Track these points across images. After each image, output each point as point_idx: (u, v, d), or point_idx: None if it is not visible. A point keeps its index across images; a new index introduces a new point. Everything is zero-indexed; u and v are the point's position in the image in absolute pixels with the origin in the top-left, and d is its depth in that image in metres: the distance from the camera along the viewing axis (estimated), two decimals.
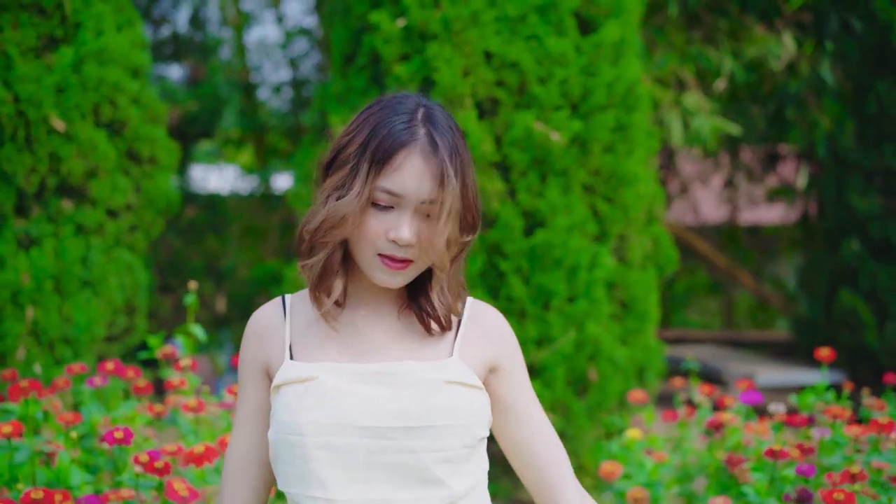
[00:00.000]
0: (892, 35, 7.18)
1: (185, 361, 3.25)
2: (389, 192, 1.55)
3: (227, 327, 8.18)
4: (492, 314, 1.72)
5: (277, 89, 10.17)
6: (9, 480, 2.67)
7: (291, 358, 1.64)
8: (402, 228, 1.55)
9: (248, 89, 10.08)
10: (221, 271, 8.38)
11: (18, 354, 4.57)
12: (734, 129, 7.38)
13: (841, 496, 2.31)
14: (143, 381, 3.47)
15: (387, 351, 1.64)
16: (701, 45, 7.25)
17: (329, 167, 1.61)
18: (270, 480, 1.72)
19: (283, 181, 10.59)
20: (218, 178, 10.98)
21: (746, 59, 7.30)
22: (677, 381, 4.18)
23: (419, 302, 1.67)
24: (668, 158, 10.16)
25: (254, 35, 15.94)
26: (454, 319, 1.70)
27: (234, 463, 1.70)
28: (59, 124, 4.60)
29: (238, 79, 10.13)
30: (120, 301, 4.90)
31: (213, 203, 8.57)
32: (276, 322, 1.68)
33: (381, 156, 1.55)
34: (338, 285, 1.63)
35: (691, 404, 4.03)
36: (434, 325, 1.67)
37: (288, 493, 1.61)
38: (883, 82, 7.32)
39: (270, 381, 1.68)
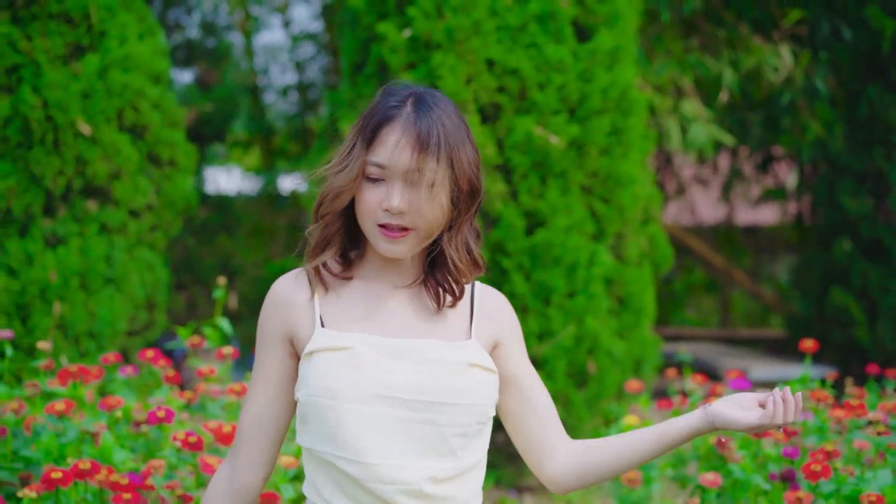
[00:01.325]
0: (884, 42, 7.42)
1: (226, 350, 3.49)
2: (377, 165, 1.70)
3: (237, 324, 8.42)
4: (493, 296, 1.87)
5: (284, 92, 10.41)
6: (57, 458, 2.91)
7: (322, 326, 1.75)
8: (392, 197, 1.69)
9: (256, 92, 10.32)
10: (233, 270, 8.61)
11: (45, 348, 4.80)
12: (728, 139, 7.62)
13: (818, 468, 2.55)
14: (171, 371, 3.72)
15: (407, 326, 1.77)
16: (699, 53, 7.47)
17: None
18: (282, 440, 1.85)
19: (289, 182, 10.82)
20: (226, 179, 11.22)
21: (744, 69, 7.52)
22: (671, 373, 4.42)
23: (434, 276, 1.79)
24: (665, 160, 10.38)
25: (261, 39, 16.16)
26: (467, 302, 1.83)
27: (251, 423, 1.81)
28: (85, 128, 4.84)
29: (247, 82, 10.37)
30: (141, 297, 5.14)
31: (224, 204, 8.81)
32: (300, 292, 1.79)
33: (369, 132, 1.72)
34: (326, 255, 1.77)
35: (685, 395, 4.27)
36: (445, 298, 1.78)
37: (314, 449, 1.74)
38: (874, 87, 7.57)
39: (292, 347, 1.80)
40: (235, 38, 10.48)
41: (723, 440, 3.31)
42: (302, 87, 10.40)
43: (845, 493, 2.60)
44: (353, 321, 1.76)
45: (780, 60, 7.49)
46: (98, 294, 4.93)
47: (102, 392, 3.82)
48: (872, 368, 4.22)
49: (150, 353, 3.48)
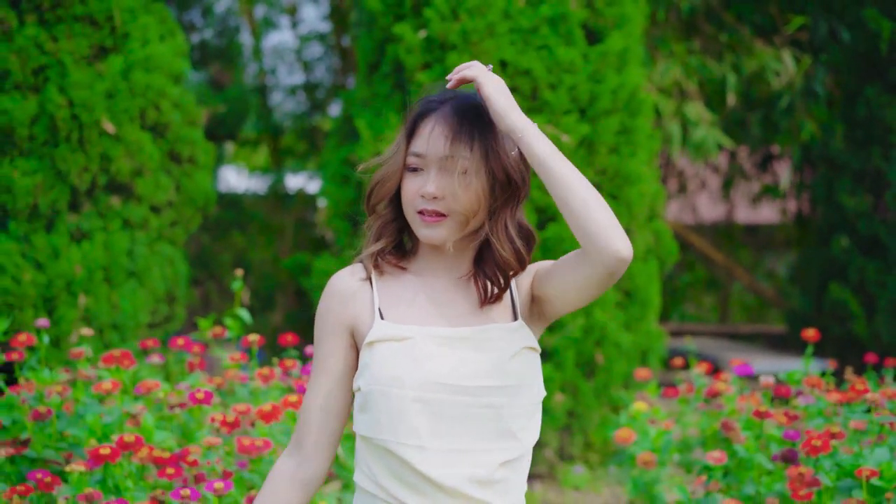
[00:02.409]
0: (881, 43, 7.60)
1: (252, 336, 3.64)
2: (415, 154, 1.80)
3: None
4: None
5: (293, 92, 10.57)
6: (100, 438, 3.07)
7: (382, 318, 1.81)
8: (427, 184, 1.78)
9: (264, 92, 10.48)
10: (245, 266, 8.78)
11: (72, 339, 4.96)
12: (729, 142, 7.81)
13: (819, 443, 2.71)
14: (196, 359, 3.88)
15: (460, 315, 1.83)
16: (701, 55, 7.64)
17: None
18: (343, 429, 1.89)
19: (296, 181, 10.98)
20: (235, 178, 11.38)
21: (746, 72, 7.71)
22: (678, 362, 4.58)
23: (482, 269, 1.84)
24: (666, 158, 10.55)
25: (269, 40, 16.30)
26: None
27: (314, 413, 1.85)
28: (109, 127, 5.00)
29: (255, 82, 10.53)
30: (161, 291, 5.30)
31: (235, 202, 8.96)
32: (359, 285, 1.85)
33: (410, 127, 1.83)
34: (380, 244, 1.85)
35: (690, 385, 4.43)
36: (492, 290, 1.82)
37: (373, 438, 1.78)
38: (872, 88, 7.74)
39: (353, 339, 1.85)
40: (245, 39, 10.64)
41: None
42: (309, 87, 10.56)
43: (844, 468, 2.76)
44: (410, 313, 1.82)
45: (783, 66, 7.67)
46: (121, 287, 5.09)
47: (133, 380, 3.98)
48: (871, 358, 4.38)
49: (180, 340, 3.64)
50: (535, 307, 1.88)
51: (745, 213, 12.67)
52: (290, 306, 9.77)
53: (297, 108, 10.82)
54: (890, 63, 7.72)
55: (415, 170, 1.81)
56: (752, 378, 6.10)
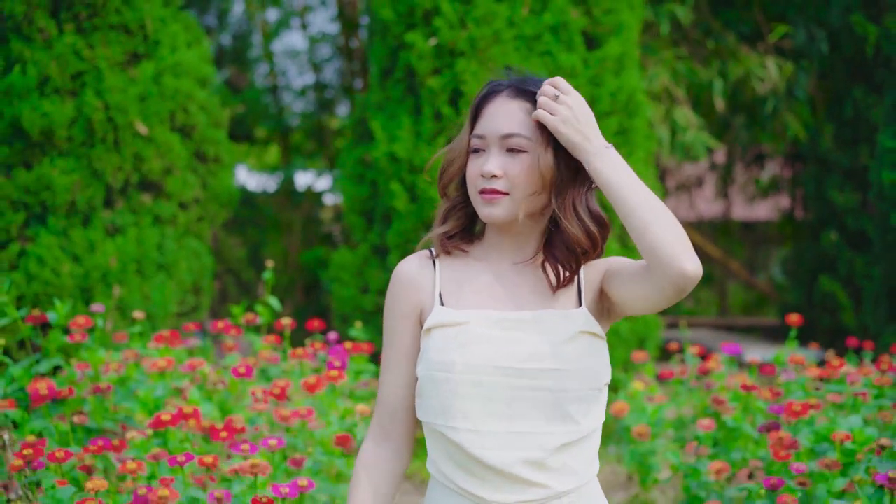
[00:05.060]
0: (868, 47, 7.95)
1: (285, 321, 3.98)
2: (478, 136, 1.80)
3: None
4: (592, 262, 1.88)
5: (303, 92, 10.91)
6: (151, 410, 3.41)
7: (441, 304, 1.82)
8: (488, 162, 1.78)
9: (275, 92, 10.83)
10: (261, 261, 9.11)
11: (106, 327, 5.31)
12: (716, 144, 8.18)
13: (798, 408, 3.05)
14: (232, 342, 4.22)
15: (521, 299, 1.82)
16: (689, 62, 8.00)
17: None
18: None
19: (304, 179, 11.32)
20: (245, 176, 11.71)
21: (733, 78, 8.07)
22: (673, 346, 4.92)
23: (553, 254, 1.82)
24: (658, 159, 10.89)
25: (280, 41, 16.65)
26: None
27: (400, 397, 1.86)
28: (142, 129, 5.35)
29: (267, 83, 10.87)
30: (189, 282, 5.64)
31: (249, 199, 9.30)
32: (425, 271, 1.86)
33: (474, 111, 1.84)
34: (447, 225, 1.86)
35: (684, 367, 4.77)
36: (563, 274, 1.80)
37: (430, 423, 1.79)
38: (859, 89, 8.10)
39: (420, 324, 1.84)
40: (256, 41, 10.98)
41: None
42: (319, 88, 10.90)
43: (820, 433, 3.10)
44: (469, 297, 1.83)
45: (767, 72, 8.04)
46: (152, 279, 5.43)
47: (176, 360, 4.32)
48: (852, 342, 4.73)
49: (221, 324, 3.98)
50: (602, 303, 1.86)
51: (741, 211, 13.02)
52: (299, 300, 10.12)
53: (306, 108, 11.15)
54: (876, 65, 8.07)
55: (477, 151, 1.82)
56: (743, 365, 6.44)
